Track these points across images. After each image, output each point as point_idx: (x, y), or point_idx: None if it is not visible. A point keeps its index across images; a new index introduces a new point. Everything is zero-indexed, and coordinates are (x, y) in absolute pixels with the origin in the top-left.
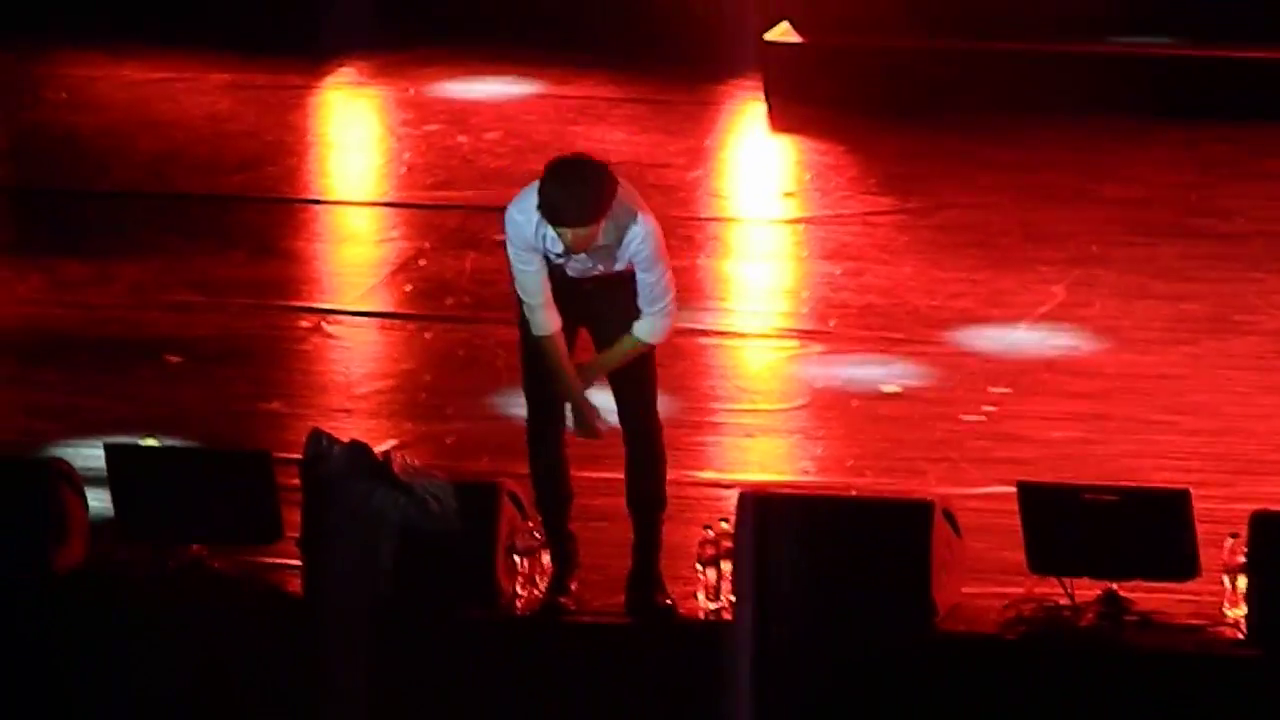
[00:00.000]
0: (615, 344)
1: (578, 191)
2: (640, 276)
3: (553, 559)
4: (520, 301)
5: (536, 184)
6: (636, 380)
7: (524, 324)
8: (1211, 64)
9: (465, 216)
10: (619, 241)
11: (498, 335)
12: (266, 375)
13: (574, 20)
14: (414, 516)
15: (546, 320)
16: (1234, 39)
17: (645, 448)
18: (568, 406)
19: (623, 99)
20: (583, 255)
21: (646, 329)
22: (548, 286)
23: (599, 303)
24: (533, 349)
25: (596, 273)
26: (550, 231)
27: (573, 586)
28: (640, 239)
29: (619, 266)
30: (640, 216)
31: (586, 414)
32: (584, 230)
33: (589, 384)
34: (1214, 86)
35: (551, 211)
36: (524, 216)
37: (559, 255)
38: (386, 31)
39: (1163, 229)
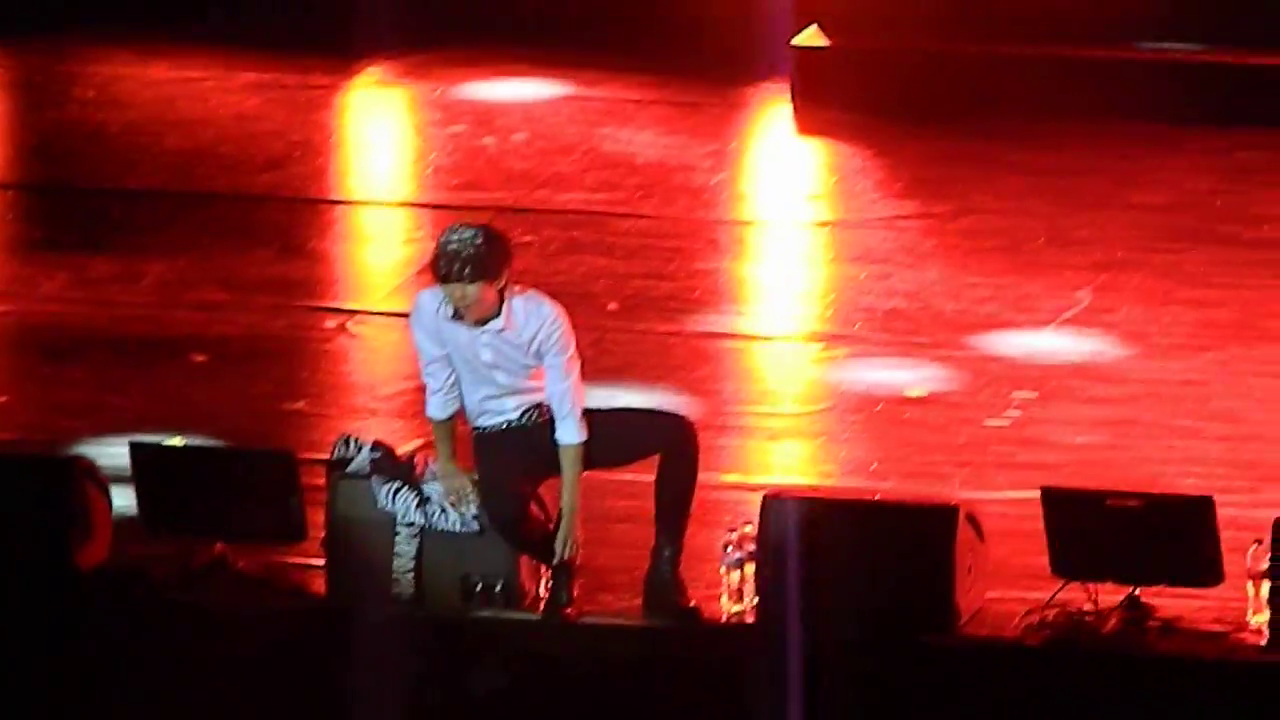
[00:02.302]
0: (564, 479)
1: (467, 248)
2: (550, 365)
3: (552, 575)
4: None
5: None
6: (614, 428)
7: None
8: (1242, 70)
9: (491, 218)
10: (527, 327)
11: None
12: (291, 375)
13: (602, 21)
14: (435, 519)
15: (439, 405)
16: (1265, 45)
17: (673, 450)
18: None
19: (650, 101)
20: (491, 341)
21: (572, 431)
22: (446, 374)
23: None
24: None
25: (521, 400)
26: (451, 312)
27: (575, 594)
28: (551, 320)
29: (526, 359)
30: (551, 303)
31: (458, 497)
32: (471, 288)
33: (572, 528)
34: (1244, 92)
35: (441, 265)
36: (430, 298)
37: (457, 320)
38: (414, 31)
39: (1190, 235)
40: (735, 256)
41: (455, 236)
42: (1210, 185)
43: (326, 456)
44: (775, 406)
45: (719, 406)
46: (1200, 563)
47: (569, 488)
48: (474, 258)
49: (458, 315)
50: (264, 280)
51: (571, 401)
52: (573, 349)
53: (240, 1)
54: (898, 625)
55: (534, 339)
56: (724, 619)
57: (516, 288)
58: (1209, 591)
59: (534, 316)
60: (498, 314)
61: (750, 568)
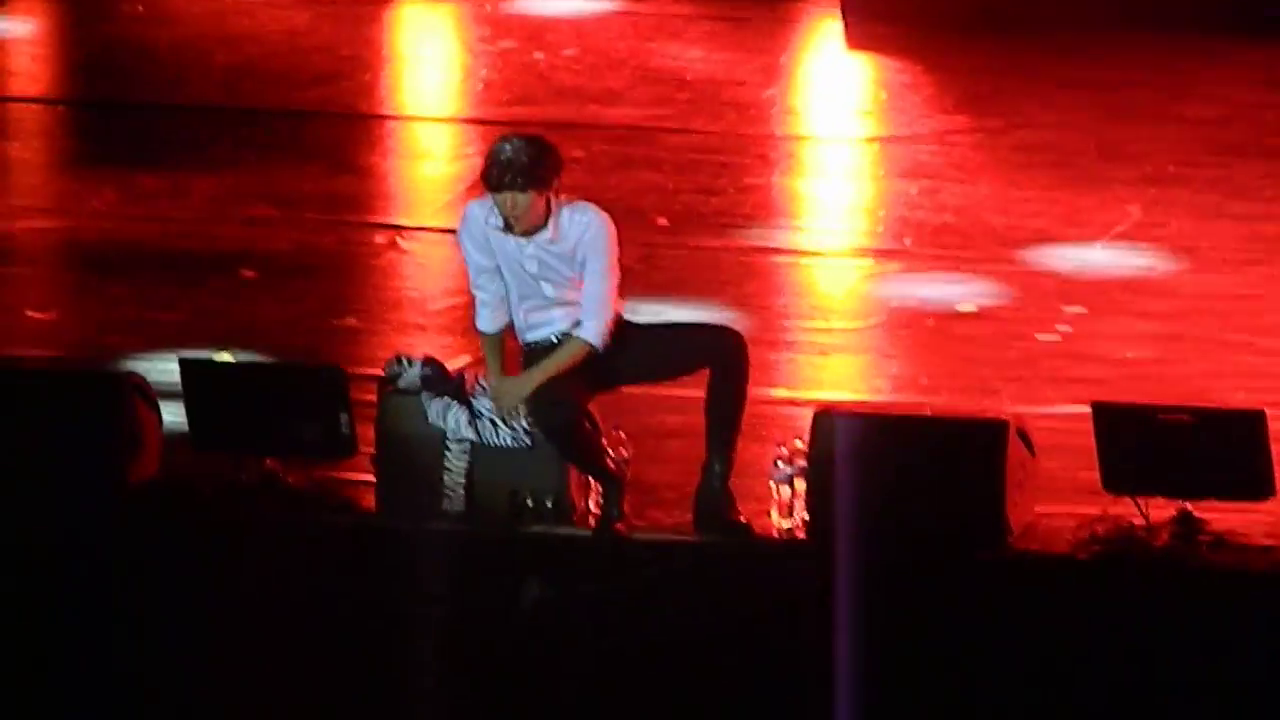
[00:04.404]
0: (554, 355)
1: (518, 155)
2: (590, 269)
3: (602, 490)
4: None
5: None
6: (664, 342)
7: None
8: None
9: (541, 133)
10: (571, 236)
11: None
12: (341, 291)
13: None
14: (486, 434)
15: (489, 318)
16: None
17: (723, 365)
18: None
19: (699, 15)
20: (537, 251)
21: (592, 331)
22: (496, 286)
23: (619, 360)
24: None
25: (568, 312)
26: (500, 223)
27: (625, 509)
28: (595, 225)
29: (571, 270)
30: (597, 211)
31: (504, 405)
32: (522, 197)
33: (530, 385)
34: None
35: (493, 174)
36: (478, 208)
37: (505, 231)
38: None
39: (1241, 149)
40: (785, 171)
41: (507, 146)
42: (1260, 98)
43: (376, 372)
44: (826, 322)
45: (769, 321)
46: (1251, 477)
47: (554, 360)
48: (525, 166)
49: (507, 226)
50: (313, 196)
51: (602, 305)
52: (614, 257)
53: None
54: (948, 541)
55: (577, 246)
56: (775, 534)
57: (564, 199)
58: (1260, 505)
59: (578, 224)
60: (545, 225)
61: (801, 483)
